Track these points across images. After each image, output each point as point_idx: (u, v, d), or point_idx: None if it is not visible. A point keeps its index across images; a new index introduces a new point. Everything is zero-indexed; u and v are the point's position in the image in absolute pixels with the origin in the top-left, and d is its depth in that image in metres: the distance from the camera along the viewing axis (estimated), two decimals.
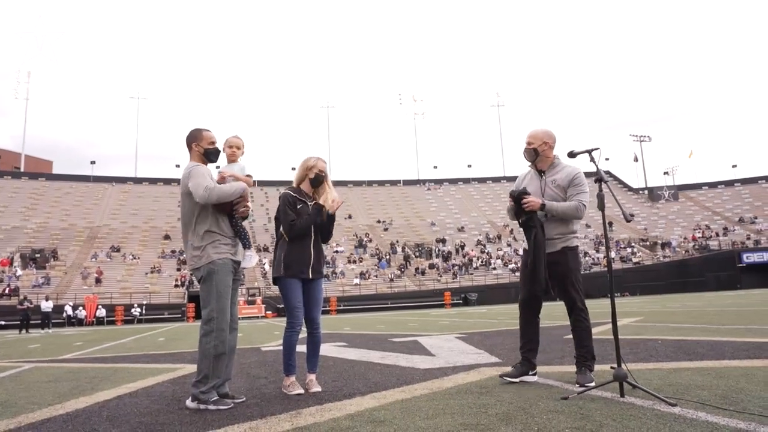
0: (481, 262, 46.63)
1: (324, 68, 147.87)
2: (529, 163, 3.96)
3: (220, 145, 3.85)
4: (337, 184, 65.76)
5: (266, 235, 47.52)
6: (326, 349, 7.06)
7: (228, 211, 3.73)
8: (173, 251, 46.02)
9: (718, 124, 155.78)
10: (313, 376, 3.97)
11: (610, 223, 51.90)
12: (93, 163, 66.55)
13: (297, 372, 3.94)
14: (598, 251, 47.69)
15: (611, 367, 3.23)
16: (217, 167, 3.95)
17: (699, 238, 50.31)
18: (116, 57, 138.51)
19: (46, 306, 26.65)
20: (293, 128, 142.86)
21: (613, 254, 45.27)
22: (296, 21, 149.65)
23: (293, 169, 39.18)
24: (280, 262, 3.87)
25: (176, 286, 39.57)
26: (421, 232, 54.90)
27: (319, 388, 3.90)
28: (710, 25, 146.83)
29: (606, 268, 3.56)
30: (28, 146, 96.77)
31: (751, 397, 2.95)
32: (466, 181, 70.17)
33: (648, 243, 50.66)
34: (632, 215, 55.06)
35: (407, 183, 70.64)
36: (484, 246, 50.46)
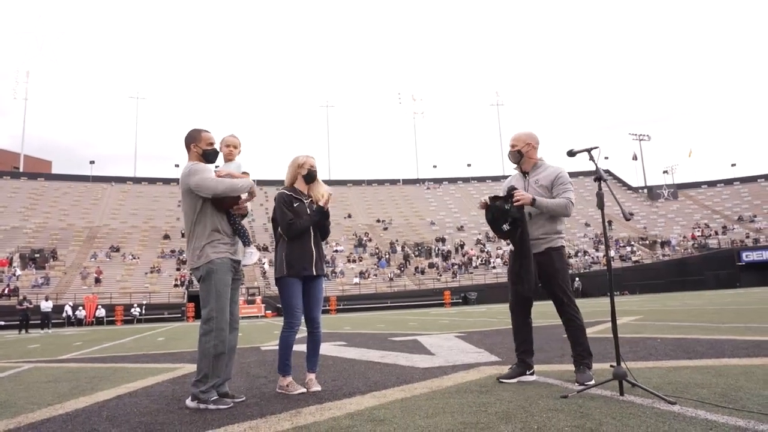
0: (481, 261, 46.65)
1: (323, 68, 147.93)
2: (515, 166, 4.04)
3: (218, 146, 3.87)
4: (336, 183, 66.13)
5: (266, 235, 47.50)
6: (326, 349, 7.07)
7: (227, 210, 3.74)
8: (173, 251, 46.01)
9: (718, 123, 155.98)
10: (313, 376, 3.97)
11: (610, 222, 51.92)
12: (92, 162, 66.37)
13: (293, 372, 3.93)
14: (597, 250, 47.72)
15: (611, 366, 3.23)
16: (216, 167, 3.96)
17: (698, 236, 50.35)
18: (115, 57, 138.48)
19: (46, 306, 26.64)
20: (293, 128, 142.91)
21: (612, 253, 45.29)
22: (295, 20, 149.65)
23: None
24: (282, 261, 3.86)
25: (176, 285, 39.57)
26: (420, 232, 54.90)
27: (318, 387, 3.90)
28: (709, 24, 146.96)
29: (605, 267, 3.56)
30: (27, 146, 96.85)
31: (750, 395, 2.96)
32: (466, 180, 70.19)
33: (647, 242, 50.69)
34: (632, 214, 55.31)
35: (407, 182, 70.65)
36: (484, 245, 50.47)
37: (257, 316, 33.85)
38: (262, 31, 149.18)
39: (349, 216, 57.92)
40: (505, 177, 69.40)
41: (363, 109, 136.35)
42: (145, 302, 36.05)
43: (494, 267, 45.16)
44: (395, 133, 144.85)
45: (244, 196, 3.80)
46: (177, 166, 63.49)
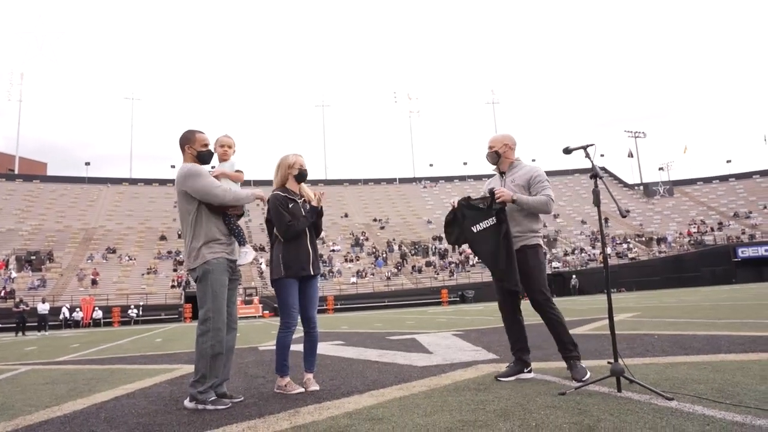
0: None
1: (318, 67, 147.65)
2: (494, 167, 4.14)
3: (212, 146, 3.87)
4: (333, 182, 66.06)
5: (263, 235, 47.38)
6: (324, 348, 7.07)
7: (223, 211, 3.74)
8: (169, 252, 45.91)
9: (713, 119, 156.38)
10: (310, 375, 3.97)
11: (606, 219, 52.06)
12: (87, 164, 66.09)
13: (291, 372, 3.93)
14: (594, 247, 47.83)
15: (608, 362, 3.24)
16: (212, 167, 3.96)
17: (694, 233, 50.50)
18: (110, 58, 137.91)
19: (43, 308, 26.53)
20: (288, 127, 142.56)
21: (609, 250, 45.31)
22: (290, 20, 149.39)
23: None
24: (279, 263, 3.85)
25: (173, 286, 39.48)
26: (417, 230, 54.93)
27: (317, 387, 3.90)
28: (704, 21, 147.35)
29: (602, 264, 3.58)
30: (22, 148, 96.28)
31: (747, 390, 2.97)
32: (462, 178, 70.21)
33: (643, 238, 50.81)
34: (628, 211, 55.49)
35: (403, 181, 70.65)
36: None
37: (255, 317, 33.81)
38: (257, 31, 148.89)
39: (346, 215, 57.90)
40: None
41: (359, 109, 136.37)
42: (142, 303, 35.95)
43: None
44: (391, 132, 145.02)
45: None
46: (173, 167, 63.36)
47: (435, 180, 70.31)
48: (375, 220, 57.91)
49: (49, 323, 27.31)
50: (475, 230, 3.86)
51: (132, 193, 60.16)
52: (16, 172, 62.63)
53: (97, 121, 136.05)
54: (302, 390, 3.82)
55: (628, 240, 49.87)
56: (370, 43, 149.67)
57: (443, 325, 11.12)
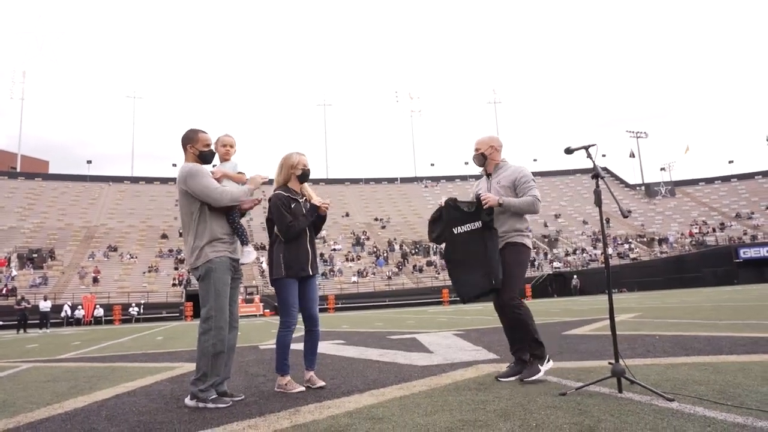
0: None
1: (320, 66, 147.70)
2: (481, 169, 4.19)
3: (213, 146, 3.87)
4: (334, 182, 66.05)
5: (264, 234, 47.40)
6: (324, 347, 7.07)
7: (226, 210, 3.74)
8: (171, 250, 45.96)
9: (715, 119, 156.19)
10: (312, 373, 3.98)
11: (607, 220, 52.01)
12: (89, 162, 66.27)
13: (291, 371, 3.93)
14: (595, 247, 47.79)
15: (609, 363, 3.24)
16: (214, 165, 3.96)
17: (696, 233, 50.43)
18: (112, 56, 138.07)
19: (45, 306, 26.59)
20: (290, 126, 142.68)
21: (610, 250, 45.30)
22: (292, 19, 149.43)
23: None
24: (279, 262, 3.85)
25: (174, 285, 39.52)
26: (418, 230, 54.87)
27: (323, 383, 3.93)
28: (706, 20, 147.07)
29: (603, 265, 3.57)
30: (24, 146, 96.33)
31: (748, 391, 2.96)
32: (464, 178, 70.15)
33: (645, 239, 50.75)
34: (629, 211, 55.24)
35: (404, 180, 70.63)
36: None
37: (255, 315, 33.84)
38: (259, 30, 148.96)
39: (347, 215, 57.90)
40: None
41: (360, 108, 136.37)
42: (143, 301, 36.00)
43: None
44: (393, 132, 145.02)
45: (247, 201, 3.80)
46: (174, 165, 63.46)
47: (436, 179, 70.28)
48: (376, 219, 57.90)
49: (51, 321, 27.38)
50: (455, 231, 3.92)
51: (133, 192, 60.23)
52: (18, 170, 62.74)
53: (99, 119, 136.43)
54: (302, 389, 3.82)
55: (630, 240, 49.81)
56: (372, 43, 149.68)
57: (444, 325, 11.11)
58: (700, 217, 55.84)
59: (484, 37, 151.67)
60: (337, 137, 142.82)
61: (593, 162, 3.51)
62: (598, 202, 3.44)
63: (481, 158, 4.11)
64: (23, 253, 42.71)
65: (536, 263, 44.50)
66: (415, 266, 45.29)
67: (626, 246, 48.34)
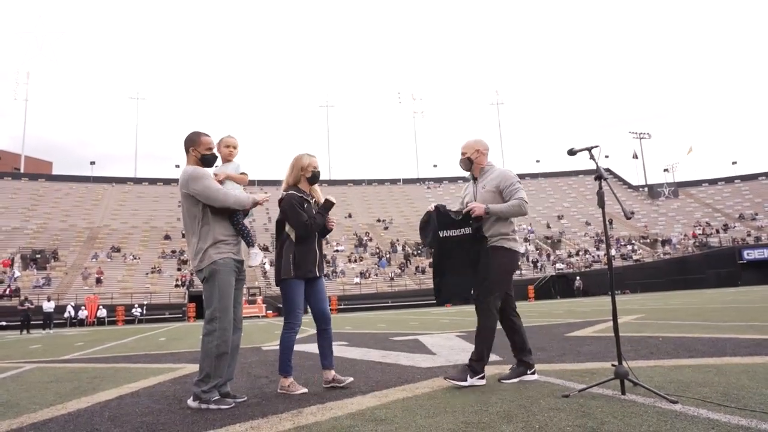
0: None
1: (323, 67, 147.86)
2: (468, 173, 4.18)
3: (216, 148, 3.87)
4: (337, 183, 66.08)
5: (266, 235, 47.49)
6: None
7: (229, 212, 3.74)
8: (173, 251, 46.04)
9: (718, 120, 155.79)
10: (334, 372, 3.99)
11: (611, 221, 51.90)
12: (93, 163, 66.71)
13: (294, 372, 3.93)
14: (598, 249, 47.69)
15: (612, 365, 3.23)
16: (216, 166, 3.96)
17: (699, 235, 50.30)
18: (115, 57, 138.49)
19: (48, 306, 26.65)
20: (293, 127, 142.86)
21: (613, 252, 45.28)
22: (295, 20, 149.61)
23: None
24: (289, 263, 3.86)
25: (177, 286, 39.58)
26: None
27: (351, 378, 4.00)
28: (709, 21, 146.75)
29: (606, 266, 3.57)
30: (28, 147, 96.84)
31: (752, 394, 2.95)
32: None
33: (648, 240, 50.65)
34: (632, 213, 55.33)
35: (407, 182, 70.65)
36: None
37: (258, 316, 33.86)
38: (262, 31, 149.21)
39: (350, 216, 57.92)
40: None
41: (363, 109, 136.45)
42: (146, 302, 36.06)
43: None
44: (395, 133, 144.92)
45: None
46: (177, 166, 63.56)
47: (439, 181, 70.28)
48: (379, 220, 57.90)
49: (54, 321, 27.44)
50: (441, 235, 3.94)
51: (137, 193, 60.38)
52: (22, 171, 62.96)
53: (102, 120, 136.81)
54: (305, 390, 3.82)
55: (633, 242, 49.70)
56: (375, 44, 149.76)
57: (446, 326, 11.10)
58: (704, 218, 55.71)
59: (486, 39, 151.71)
60: (340, 138, 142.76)
61: (596, 163, 3.50)
62: (601, 204, 3.44)
63: (467, 162, 4.10)
64: (27, 254, 42.83)
65: (539, 265, 44.44)
66: (417, 267, 45.26)
67: (629, 247, 48.24)
